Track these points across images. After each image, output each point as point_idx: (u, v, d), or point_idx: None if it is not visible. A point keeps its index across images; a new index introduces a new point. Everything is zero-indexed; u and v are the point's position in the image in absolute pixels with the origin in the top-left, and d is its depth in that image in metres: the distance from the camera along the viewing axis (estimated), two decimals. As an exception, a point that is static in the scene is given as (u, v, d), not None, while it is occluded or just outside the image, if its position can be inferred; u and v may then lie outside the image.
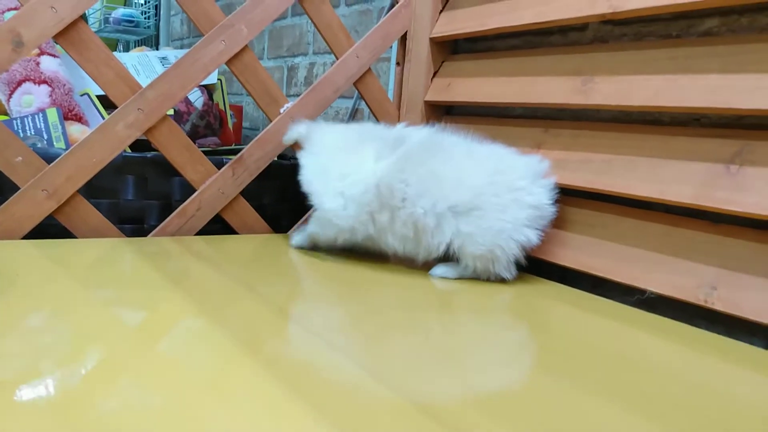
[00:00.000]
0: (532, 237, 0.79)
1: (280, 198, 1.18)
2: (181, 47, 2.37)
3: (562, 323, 0.70)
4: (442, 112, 1.17)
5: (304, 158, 0.92)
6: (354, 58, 1.11)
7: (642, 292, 0.77)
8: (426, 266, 0.86)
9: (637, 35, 0.87)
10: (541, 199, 0.81)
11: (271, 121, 1.06)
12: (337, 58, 1.11)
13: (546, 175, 0.84)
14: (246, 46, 1.01)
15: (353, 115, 1.48)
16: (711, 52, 0.75)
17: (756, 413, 0.50)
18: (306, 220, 1.11)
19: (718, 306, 0.71)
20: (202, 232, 1.01)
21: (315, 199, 0.89)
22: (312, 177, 0.90)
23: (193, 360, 0.50)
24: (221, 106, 1.41)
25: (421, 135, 0.87)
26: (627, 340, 0.66)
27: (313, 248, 0.94)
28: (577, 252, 0.86)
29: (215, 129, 1.34)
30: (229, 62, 1.00)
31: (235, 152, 1.07)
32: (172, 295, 0.67)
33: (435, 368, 0.53)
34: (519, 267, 0.83)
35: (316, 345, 0.56)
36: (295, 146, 0.98)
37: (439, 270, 0.84)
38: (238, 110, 1.58)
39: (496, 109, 1.08)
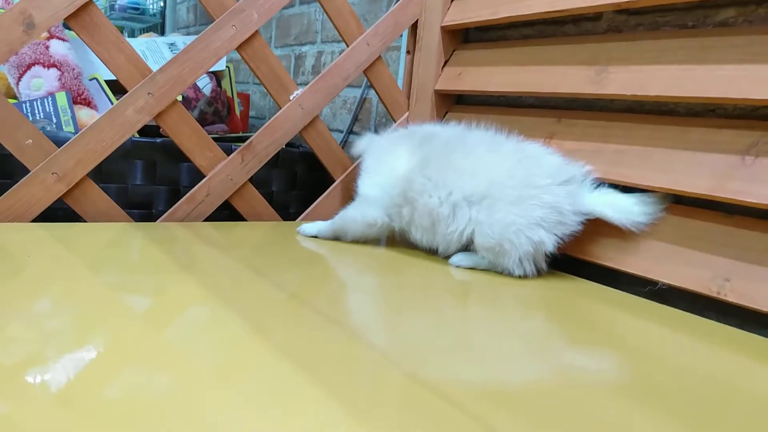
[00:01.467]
0: (545, 239, 0.77)
1: (288, 186, 1.18)
2: (187, 35, 2.36)
3: (579, 315, 0.70)
4: (453, 102, 1.17)
5: (362, 165, 0.96)
6: (364, 46, 1.11)
7: (654, 283, 0.77)
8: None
9: (653, 25, 0.86)
10: (561, 201, 0.77)
11: (280, 108, 1.06)
12: (348, 46, 1.10)
13: (582, 182, 0.80)
14: (257, 31, 1.00)
15: (361, 105, 1.48)
16: (728, 42, 0.75)
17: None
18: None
19: (731, 297, 0.70)
20: (210, 219, 1.01)
21: (359, 194, 0.92)
22: (360, 181, 0.93)
23: (202, 345, 0.50)
24: (229, 93, 1.40)
25: (449, 132, 0.88)
26: (640, 331, 0.66)
27: (334, 238, 0.93)
28: (590, 244, 0.85)
29: (223, 116, 1.34)
30: (239, 48, 0.99)
31: (243, 140, 1.06)
32: (181, 280, 0.66)
33: (447, 353, 0.52)
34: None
35: (330, 329, 0.56)
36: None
37: (456, 258, 0.84)
38: (245, 98, 1.57)
39: (507, 99, 1.08)
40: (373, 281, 0.77)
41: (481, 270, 0.82)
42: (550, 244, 0.77)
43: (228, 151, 1.01)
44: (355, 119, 1.51)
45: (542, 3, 0.93)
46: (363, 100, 1.47)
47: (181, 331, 0.53)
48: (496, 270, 0.82)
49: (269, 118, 1.05)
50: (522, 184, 0.78)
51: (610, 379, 0.51)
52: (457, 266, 0.83)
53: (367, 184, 0.91)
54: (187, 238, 0.87)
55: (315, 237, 0.93)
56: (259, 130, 1.04)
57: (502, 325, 0.63)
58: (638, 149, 0.82)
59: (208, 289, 0.64)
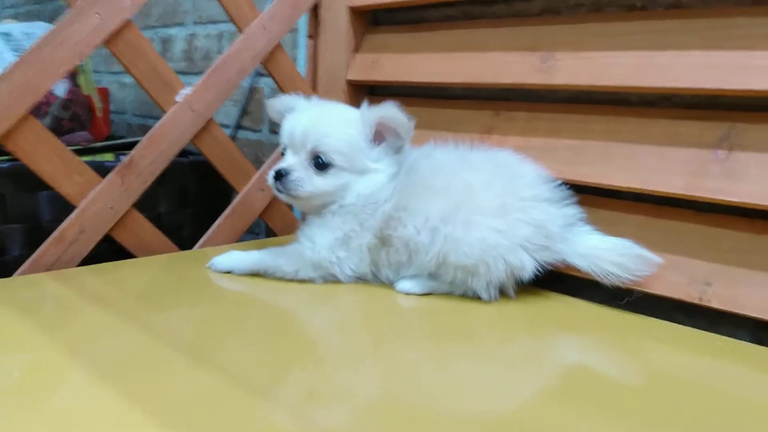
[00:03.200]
0: (527, 265, 0.67)
1: (179, 204, 0.99)
2: (16, 18, 1.98)
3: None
4: (366, 93, 1.03)
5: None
6: (261, 31, 0.93)
7: (629, 292, 0.70)
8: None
9: (596, 5, 0.78)
10: (550, 220, 0.68)
11: (164, 113, 0.86)
12: (241, 32, 0.92)
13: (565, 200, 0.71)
14: (129, 20, 0.79)
15: (251, 96, 1.29)
16: (688, 26, 0.69)
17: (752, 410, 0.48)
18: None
19: (715, 303, 0.66)
20: (86, 260, 0.80)
21: (311, 238, 0.73)
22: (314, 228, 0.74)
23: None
24: (86, 91, 1.15)
25: (415, 154, 0.74)
26: (626, 350, 0.61)
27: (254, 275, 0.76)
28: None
29: (84, 121, 1.09)
30: (108, 42, 0.78)
31: (115, 148, 0.86)
32: (52, 358, 0.51)
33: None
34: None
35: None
36: None
37: (406, 285, 0.72)
38: (103, 94, 1.31)
39: (430, 90, 0.96)
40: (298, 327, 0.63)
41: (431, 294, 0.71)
42: (529, 270, 0.67)
43: (101, 170, 0.80)
44: (243, 112, 1.32)
45: (472, -19, 0.82)
46: (252, 90, 1.28)
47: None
48: (454, 293, 0.71)
49: (132, 114, 0.85)
50: (504, 192, 0.67)
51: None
52: (408, 294, 0.72)
53: (326, 244, 0.72)
54: (61, 294, 0.67)
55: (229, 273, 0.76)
56: (140, 142, 0.83)
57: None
58: (595, 144, 0.75)
59: (94, 367, 0.49)
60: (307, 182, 0.72)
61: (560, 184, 0.71)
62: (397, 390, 0.50)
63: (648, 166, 0.70)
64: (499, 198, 0.67)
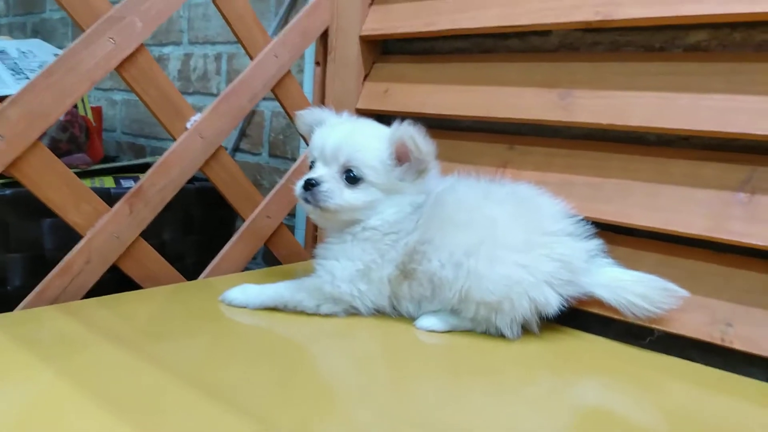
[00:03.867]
0: (551, 301, 0.66)
1: (183, 231, 0.96)
2: (23, 39, 1.92)
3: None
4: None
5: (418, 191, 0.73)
6: (272, 59, 0.92)
7: (651, 332, 0.70)
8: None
9: (614, 44, 0.79)
10: (574, 255, 0.67)
11: (174, 140, 0.84)
12: (252, 58, 0.91)
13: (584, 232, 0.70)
14: (142, 45, 0.77)
15: (249, 119, 1.27)
16: (710, 69, 0.70)
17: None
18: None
19: (737, 345, 0.66)
20: (91, 291, 0.77)
21: (330, 272, 0.72)
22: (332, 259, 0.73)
23: None
24: (81, 111, 1.12)
25: (438, 187, 0.73)
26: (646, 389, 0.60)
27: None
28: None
29: (81, 143, 1.06)
30: (120, 67, 0.76)
31: (113, 171, 0.83)
32: (59, 393, 0.49)
33: None
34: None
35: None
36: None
37: (427, 322, 0.70)
38: (96, 113, 1.28)
39: (438, 121, 0.95)
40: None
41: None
42: (554, 306, 0.67)
43: (107, 199, 0.77)
44: (242, 135, 1.30)
45: (491, 16, 0.82)
46: (252, 113, 1.26)
47: None
48: (476, 330, 0.70)
49: (122, 132, 0.83)
50: (528, 227, 0.67)
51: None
52: (429, 331, 0.70)
53: (346, 277, 0.71)
54: (68, 328, 0.64)
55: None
56: (150, 169, 0.81)
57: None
58: (614, 182, 0.75)
59: (106, 403, 0.47)
60: (337, 194, 0.70)
61: (580, 219, 0.71)
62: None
63: (670, 206, 0.70)
64: (524, 233, 0.67)
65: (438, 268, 0.67)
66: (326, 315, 0.71)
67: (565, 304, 0.68)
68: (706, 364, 0.67)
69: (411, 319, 0.72)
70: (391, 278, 0.71)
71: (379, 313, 0.73)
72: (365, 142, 0.71)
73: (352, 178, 0.70)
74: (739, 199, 0.67)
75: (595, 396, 0.61)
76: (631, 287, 0.68)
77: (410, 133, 0.69)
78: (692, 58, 0.72)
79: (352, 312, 0.72)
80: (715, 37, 0.72)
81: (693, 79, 0.70)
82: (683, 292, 0.66)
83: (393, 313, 0.73)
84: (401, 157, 0.71)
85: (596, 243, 0.70)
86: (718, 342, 0.67)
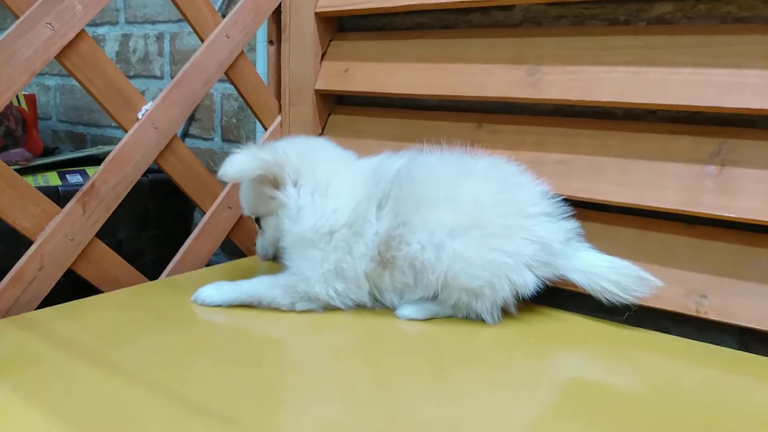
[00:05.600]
0: (529, 283, 0.66)
1: (139, 227, 0.91)
2: None
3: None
4: (334, 102, 0.99)
5: (303, 197, 0.70)
6: (223, 39, 0.87)
7: (628, 307, 0.71)
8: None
9: (578, 18, 0.78)
10: (552, 237, 0.66)
11: (126, 132, 0.78)
12: (202, 40, 0.85)
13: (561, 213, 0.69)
14: (83, 30, 0.71)
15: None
16: (677, 42, 0.70)
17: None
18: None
19: (712, 315, 0.67)
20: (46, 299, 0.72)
21: (302, 273, 0.69)
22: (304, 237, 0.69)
23: None
24: (15, 101, 1.03)
25: (400, 164, 0.70)
26: (625, 362, 0.61)
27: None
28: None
29: (18, 137, 0.98)
30: (60, 55, 0.69)
31: (57, 166, 0.77)
32: (14, 413, 0.46)
33: None
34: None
35: None
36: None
37: (407, 311, 0.69)
38: (30, 102, 1.19)
39: (402, 100, 0.93)
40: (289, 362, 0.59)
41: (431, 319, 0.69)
42: (532, 287, 0.66)
43: (57, 199, 0.72)
44: (191, 119, 1.23)
45: (455, -11, 0.80)
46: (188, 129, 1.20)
47: None
48: (457, 316, 0.69)
49: (57, 119, 0.78)
50: (511, 209, 0.65)
51: None
52: (410, 319, 0.69)
53: (318, 278, 0.68)
54: (22, 342, 0.60)
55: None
56: (102, 165, 0.75)
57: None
58: (586, 159, 0.75)
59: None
60: (259, 244, 0.75)
61: (556, 198, 0.71)
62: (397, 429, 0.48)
63: (642, 181, 0.71)
64: (507, 216, 0.65)
65: (418, 250, 0.65)
66: (302, 312, 0.69)
67: (541, 285, 0.68)
68: (680, 333, 0.69)
69: (393, 309, 0.70)
70: (368, 272, 0.69)
71: (360, 307, 0.71)
72: (242, 192, 0.75)
73: (257, 221, 0.74)
74: (710, 172, 0.68)
75: (576, 375, 0.61)
76: (605, 274, 0.67)
77: (242, 168, 0.67)
78: (659, 31, 0.71)
79: (330, 307, 0.70)
80: (680, 9, 0.72)
81: (661, 52, 0.70)
82: (657, 282, 0.66)
83: (376, 305, 0.71)
84: (265, 184, 0.70)
85: (573, 224, 0.70)
86: (694, 313, 0.68)
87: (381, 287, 0.69)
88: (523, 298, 0.69)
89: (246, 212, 0.75)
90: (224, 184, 0.91)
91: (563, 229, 0.69)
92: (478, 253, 0.64)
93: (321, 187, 0.70)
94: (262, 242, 0.75)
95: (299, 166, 0.70)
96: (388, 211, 0.68)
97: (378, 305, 0.71)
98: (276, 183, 0.69)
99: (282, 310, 0.69)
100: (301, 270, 0.69)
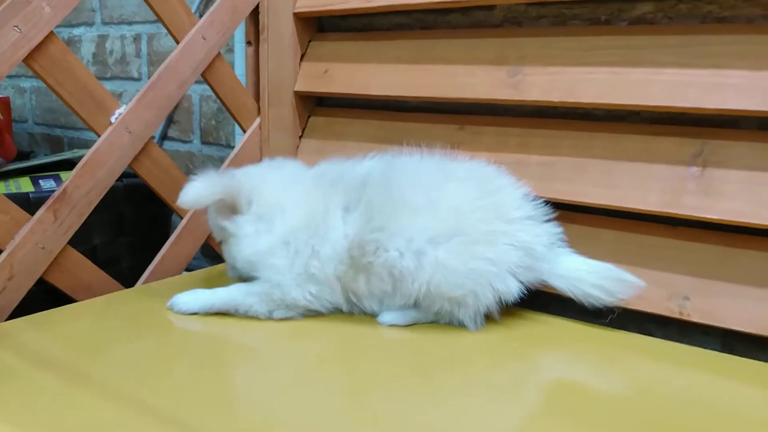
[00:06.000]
0: (513, 289, 0.65)
1: (114, 233, 0.89)
2: None
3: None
4: (314, 104, 0.97)
5: (246, 227, 0.69)
6: (200, 41, 0.85)
7: (611, 310, 0.71)
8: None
9: (559, 18, 0.77)
10: (536, 240, 0.65)
11: (99, 136, 0.76)
12: (177, 41, 0.83)
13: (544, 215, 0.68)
14: (52, 32, 0.69)
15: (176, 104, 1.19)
16: (659, 43, 0.69)
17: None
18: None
19: (695, 317, 0.67)
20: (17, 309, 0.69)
21: (273, 280, 0.67)
22: (264, 254, 0.68)
23: None
24: (-15, 105, 1.01)
25: (372, 165, 0.69)
26: (609, 365, 0.60)
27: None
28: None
29: (-11, 141, 0.95)
30: (29, 58, 0.67)
31: (30, 171, 0.75)
32: None
33: None
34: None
35: None
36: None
37: (389, 317, 0.68)
38: (3, 104, 1.16)
39: (383, 102, 0.92)
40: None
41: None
42: (515, 294, 0.65)
43: (27, 206, 0.70)
44: (170, 121, 1.21)
45: (435, -11, 0.79)
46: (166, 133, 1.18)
47: None
48: (439, 322, 0.68)
49: (34, 122, 0.76)
50: (493, 215, 0.64)
51: None
52: (391, 325, 0.68)
53: (294, 276, 0.67)
54: None
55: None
56: (74, 171, 0.73)
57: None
58: (568, 161, 0.74)
59: None
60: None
61: (539, 201, 0.70)
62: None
63: (625, 183, 0.70)
64: (489, 222, 0.64)
65: (396, 258, 0.63)
66: (281, 320, 0.67)
67: (525, 291, 0.67)
68: (664, 336, 0.68)
69: (374, 316, 0.69)
70: (339, 275, 0.67)
71: (339, 312, 0.69)
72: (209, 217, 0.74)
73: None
74: (692, 173, 0.67)
75: (560, 378, 0.60)
76: (587, 278, 0.66)
77: (198, 194, 0.67)
78: (641, 32, 0.71)
79: (310, 314, 0.68)
80: (660, 9, 0.72)
81: (643, 53, 0.69)
82: (639, 283, 0.66)
83: (354, 310, 0.69)
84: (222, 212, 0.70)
85: (555, 228, 0.69)
86: (677, 316, 0.68)
87: (358, 293, 0.68)
88: (507, 304, 0.68)
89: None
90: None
91: (547, 232, 0.68)
92: (461, 261, 0.63)
93: (269, 214, 0.69)
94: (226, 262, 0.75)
95: (251, 194, 0.69)
96: (359, 215, 0.66)
97: (356, 310, 0.69)
98: (234, 209, 0.69)
99: (260, 318, 0.68)
100: (269, 278, 0.67)
